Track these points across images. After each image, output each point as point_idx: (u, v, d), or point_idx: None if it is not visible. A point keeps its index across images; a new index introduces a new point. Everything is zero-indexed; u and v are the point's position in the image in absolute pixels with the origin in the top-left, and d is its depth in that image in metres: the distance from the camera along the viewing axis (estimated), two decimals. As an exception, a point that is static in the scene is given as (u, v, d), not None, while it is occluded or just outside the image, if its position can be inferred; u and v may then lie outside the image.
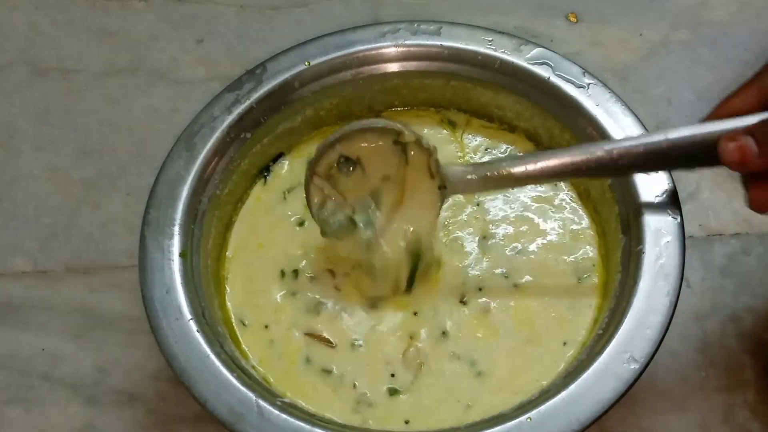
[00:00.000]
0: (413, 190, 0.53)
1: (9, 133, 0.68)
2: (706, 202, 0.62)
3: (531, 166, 0.50)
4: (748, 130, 0.46)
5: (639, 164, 0.50)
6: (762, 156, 0.45)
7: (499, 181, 0.51)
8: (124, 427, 0.56)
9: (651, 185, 0.52)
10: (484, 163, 0.58)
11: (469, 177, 0.52)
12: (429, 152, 0.52)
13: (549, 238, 0.57)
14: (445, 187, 0.52)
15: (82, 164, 0.66)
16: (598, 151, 0.50)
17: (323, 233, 0.54)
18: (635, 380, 0.47)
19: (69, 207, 0.64)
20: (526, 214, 0.57)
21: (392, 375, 0.53)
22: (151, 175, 0.54)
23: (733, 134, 0.46)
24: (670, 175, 0.52)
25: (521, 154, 0.60)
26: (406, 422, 0.51)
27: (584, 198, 0.58)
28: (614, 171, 0.51)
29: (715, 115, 0.48)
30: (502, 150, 0.60)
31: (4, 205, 0.64)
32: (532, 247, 0.56)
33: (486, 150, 0.60)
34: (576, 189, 0.58)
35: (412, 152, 0.52)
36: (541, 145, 0.59)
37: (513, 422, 0.46)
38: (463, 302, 0.54)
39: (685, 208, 0.51)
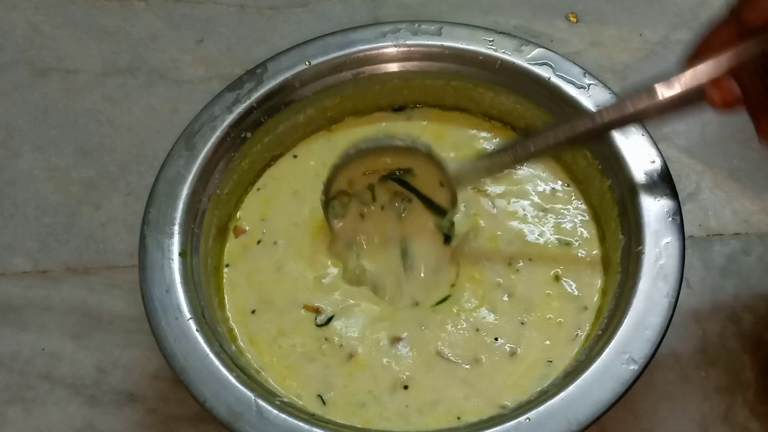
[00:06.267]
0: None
1: (9, 133, 0.68)
2: (706, 202, 0.62)
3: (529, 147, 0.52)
4: (731, 71, 0.46)
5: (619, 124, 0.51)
6: (747, 97, 0.46)
7: (501, 164, 0.53)
8: (124, 427, 0.56)
9: (651, 185, 0.52)
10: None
11: (472, 166, 0.53)
12: (439, 166, 0.53)
13: None
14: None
15: (82, 164, 0.66)
16: (580, 126, 0.50)
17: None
18: (634, 381, 0.47)
19: (69, 207, 0.64)
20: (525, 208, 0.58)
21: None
22: (151, 175, 0.54)
23: (717, 81, 0.46)
24: (670, 175, 0.52)
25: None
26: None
27: (585, 198, 0.58)
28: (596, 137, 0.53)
29: (695, 54, 0.48)
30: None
31: (4, 205, 0.64)
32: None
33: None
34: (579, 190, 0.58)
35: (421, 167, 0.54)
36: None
37: (512, 422, 0.46)
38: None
39: (685, 208, 0.51)
